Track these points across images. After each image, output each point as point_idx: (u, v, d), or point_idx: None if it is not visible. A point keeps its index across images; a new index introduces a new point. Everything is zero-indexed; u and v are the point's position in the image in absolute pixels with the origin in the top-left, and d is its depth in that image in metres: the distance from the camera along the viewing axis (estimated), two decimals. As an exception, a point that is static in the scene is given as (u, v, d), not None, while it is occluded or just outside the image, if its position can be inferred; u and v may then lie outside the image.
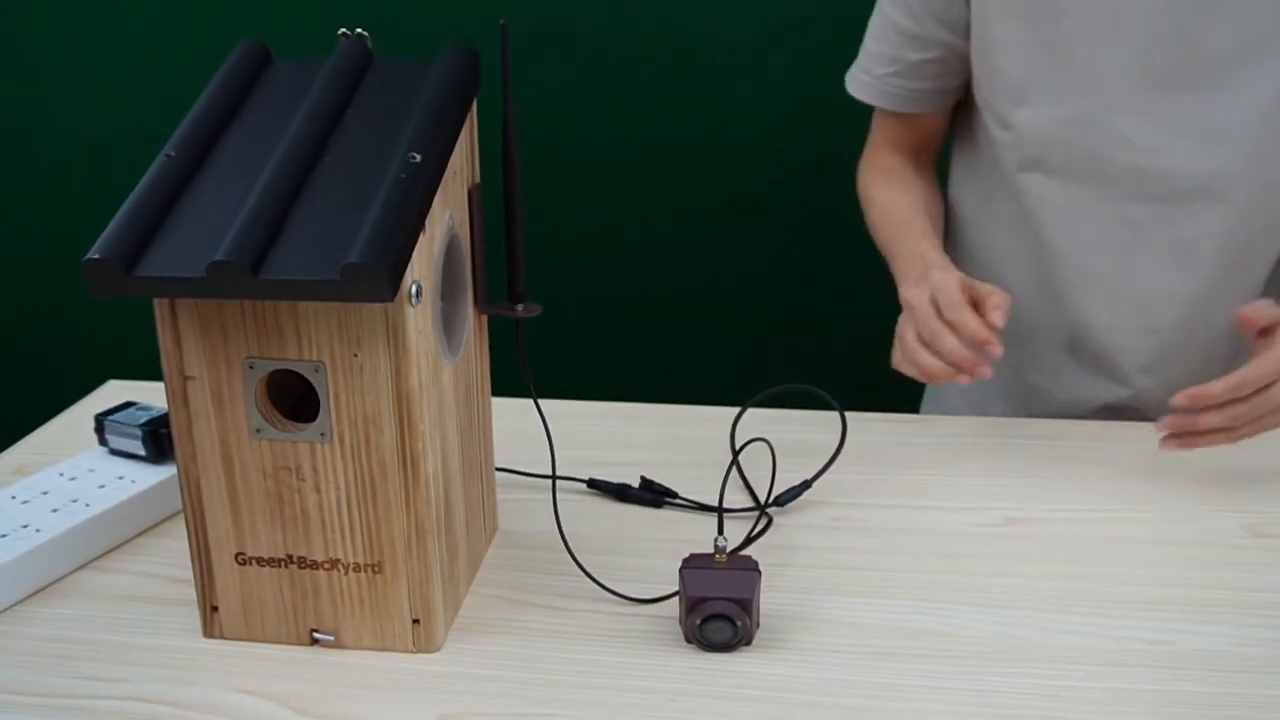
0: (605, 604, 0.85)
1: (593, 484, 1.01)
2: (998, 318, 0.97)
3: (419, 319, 0.74)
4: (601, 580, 0.86)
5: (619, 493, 1.00)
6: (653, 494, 0.99)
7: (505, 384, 0.97)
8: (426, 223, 0.75)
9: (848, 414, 1.02)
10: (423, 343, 0.75)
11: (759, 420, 1.09)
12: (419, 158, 0.74)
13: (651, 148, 1.74)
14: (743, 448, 0.98)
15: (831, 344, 1.77)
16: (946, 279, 1.00)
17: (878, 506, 0.99)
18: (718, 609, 0.78)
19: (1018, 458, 1.07)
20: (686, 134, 1.72)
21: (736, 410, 1.08)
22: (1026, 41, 1.08)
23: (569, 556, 0.87)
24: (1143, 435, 1.05)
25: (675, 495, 0.98)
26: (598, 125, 1.74)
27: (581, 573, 0.87)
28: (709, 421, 1.09)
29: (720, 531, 0.82)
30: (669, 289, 1.81)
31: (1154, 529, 0.95)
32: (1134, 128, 1.06)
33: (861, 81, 1.24)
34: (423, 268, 0.75)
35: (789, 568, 0.90)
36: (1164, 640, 0.81)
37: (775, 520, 0.97)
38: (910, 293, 1.02)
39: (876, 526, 0.96)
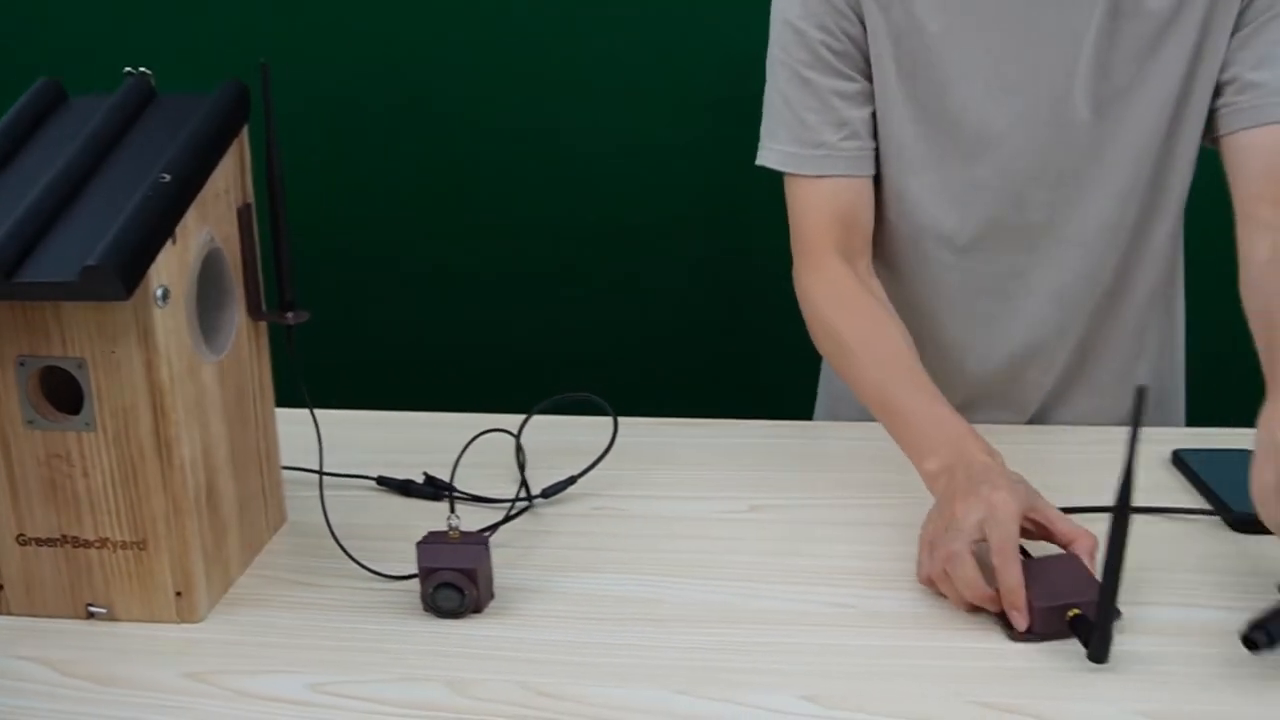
0: (364, 581, 0.95)
1: (381, 480, 1.10)
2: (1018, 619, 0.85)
3: (168, 319, 0.84)
4: (367, 562, 0.95)
5: (403, 488, 1.09)
6: (433, 488, 1.08)
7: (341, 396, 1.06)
8: (179, 235, 0.85)
9: (628, 418, 1.12)
10: (173, 341, 0.85)
11: (548, 425, 1.17)
12: (168, 178, 0.84)
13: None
14: (471, 438, 1.07)
15: (612, 349, 1.89)
16: (1008, 509, 0.86)
17: (637, 497, 1.08)
18: (446, 578, 0.88)
19: (773, 454, 1.17)
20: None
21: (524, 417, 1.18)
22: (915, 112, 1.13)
23: (343, 542, 0.96)
24: (876, 432, 1.15)
25: (454, 489, 1.08)
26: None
27: (348, 556, 0.96)
28: (502, 425, 1.18)
29: (452, 511, 0.91)
30: (486, 306, 1.94)
31: (877, 513, 1.04)
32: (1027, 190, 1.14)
33: (815, 158, 1.13)
34: (172, 274, 0.85)
35: (540, 549, 1.00)
36: (849, 604, 0.91)
37: (542, 510, 1.06)
38: (960, 507, 0.87)
39: (632, 514, 1.06)
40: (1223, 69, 1.08)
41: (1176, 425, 1.30)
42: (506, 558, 0.98)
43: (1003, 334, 1.21)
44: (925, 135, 1.13)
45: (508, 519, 1.03)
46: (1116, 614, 0.80)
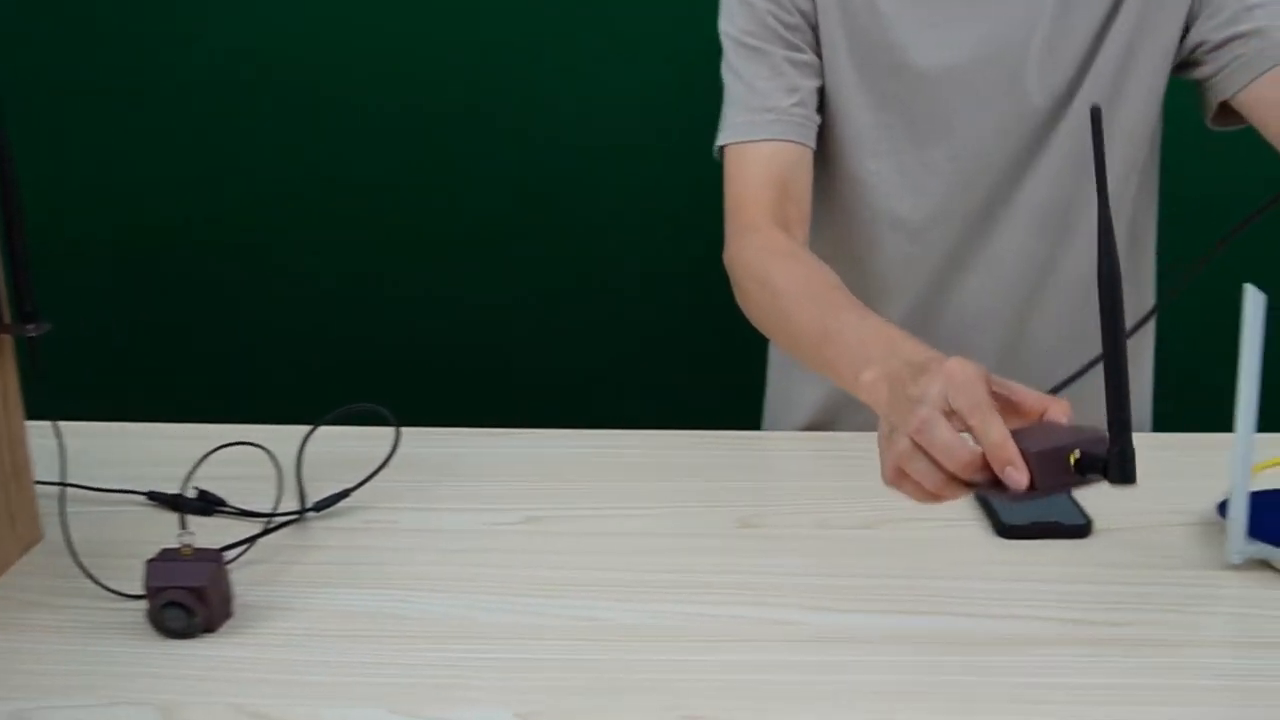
0: (104, 601, 0.91)
1: (152, 496, 1.07)
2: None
3: None
4: (117, 583, 0.92)
5: (173, 503, 1.06)
6: (204, 503, 1.05)
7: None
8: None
9: (418, 429, 1.10)
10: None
11: (334, 437, 1.14)
12: None
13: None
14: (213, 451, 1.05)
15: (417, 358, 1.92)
16: (967, 371, 0.76)
17: (413, 510, 1.05)
18: (174, 597, 0.85)
19: (562, 463, 1.14)
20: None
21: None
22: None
23: (93, 561, 0.92)
24: (648, 440, 1.16)
25: (224, 504, 1.05)
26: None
27: (85, 574, 0.92)
28: (283, 438, 1.15)
29: (183, 526, 0.88)
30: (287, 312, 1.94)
31: (656, 523, 1.02)
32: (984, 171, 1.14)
33: (765, 122, 1.11)
34: None
35: (299, 565, 0.97)
36: (594, 617, 0.89)
37: (314, 524, 1.03)
38: (915, 387, 0.77)
39: (403, 528, 1.03)
40: (1198, 43, 1.07)
41: (1143, 430, 1.30)
42: (262, 574, 0.95)
43: (946, 310, 1.21)
44: (880, 119, 1.14)
45: (265, 533, 1.00)
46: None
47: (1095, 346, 1.19)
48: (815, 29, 1.13)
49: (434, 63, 1.85)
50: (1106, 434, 0.73)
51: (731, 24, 1.14)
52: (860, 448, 1.13)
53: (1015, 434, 0.73)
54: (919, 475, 0.75)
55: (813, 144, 1.13)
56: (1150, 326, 1.28)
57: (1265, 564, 0.93)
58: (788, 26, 1.12)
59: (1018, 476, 0.72)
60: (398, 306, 1.99)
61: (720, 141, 1.14)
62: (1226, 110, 1.09)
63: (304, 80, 1.85)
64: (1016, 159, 1.13)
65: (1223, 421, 1.00)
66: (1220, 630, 0.87)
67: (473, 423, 1.22)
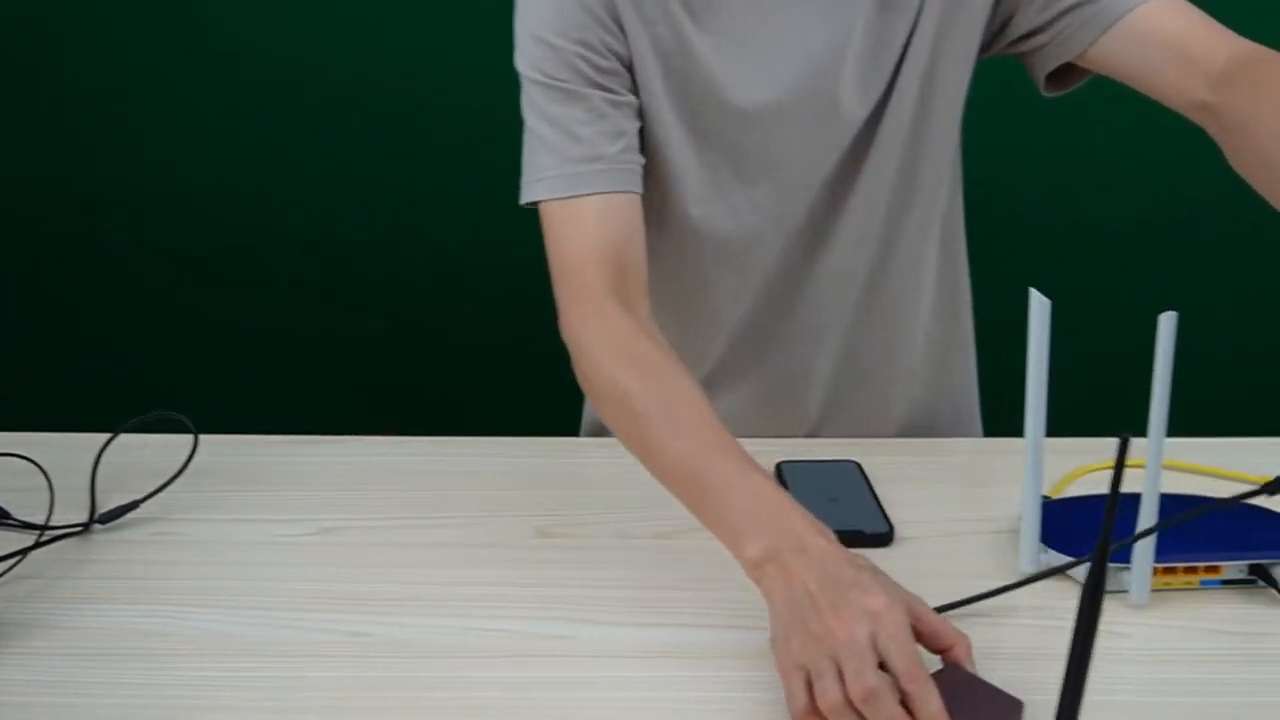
0: None
1: (-70, 509, 1.02)
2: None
3: None
4: None
5: (-53, 516, 1.01)
6: (-14, 517, 1.01)
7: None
8: None
9: (221, 436, 1.06)
10: None
11: (135, 446, 1.10)
12: None
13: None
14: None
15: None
16: (898, 618, 0.72)
17: (205, 521, 1.02)
18: (-89, 616, 0.81)
19: (367, 472, 1.11)
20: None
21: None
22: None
23: None
24: (450, 448, 1.13)
25: (8, 515, 1.00)
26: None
27: None
28: (74, 448, 1.10)
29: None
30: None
31: (451, 534, 1.00)
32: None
33: (592, 173, 1.00)
34: None
35: (71, 580, 0.93)
36: (366, 632, 0.86)
37: (100, 537, 1.00)
38: (837, 621, 0.72)
39: (191, 540, 0.99)
40: (1029, 29, 1.04)
41: (974, 435, 1.29)
42: (29, 589, 0.91)
43: (776, 331, 1.18)
44: (704, 159, 1.08)
45: (37, 546, 0.96)
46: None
47: (916, 357, 1.20)
48: (631, 69, 1.04)
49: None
50: (1020, 705, 0.73)
51: (534, 67, 1.01)
52: None
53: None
54: None
55: (641, 189, 1.04)
56: (969, 327, 1.27)
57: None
58: (601, 71, 1.01)
59: None
60: (214, 308, 2.03)
61: (538, 196, 1.01)
62: (1062, 73, 1.06)
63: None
64: (837, 178, 1.10)
65: (1061, 424, 0.99)
66: (1011, 640, 0.86)
67: (292, 430, 1.18)
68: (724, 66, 1.05)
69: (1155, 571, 0.90)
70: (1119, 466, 0.58)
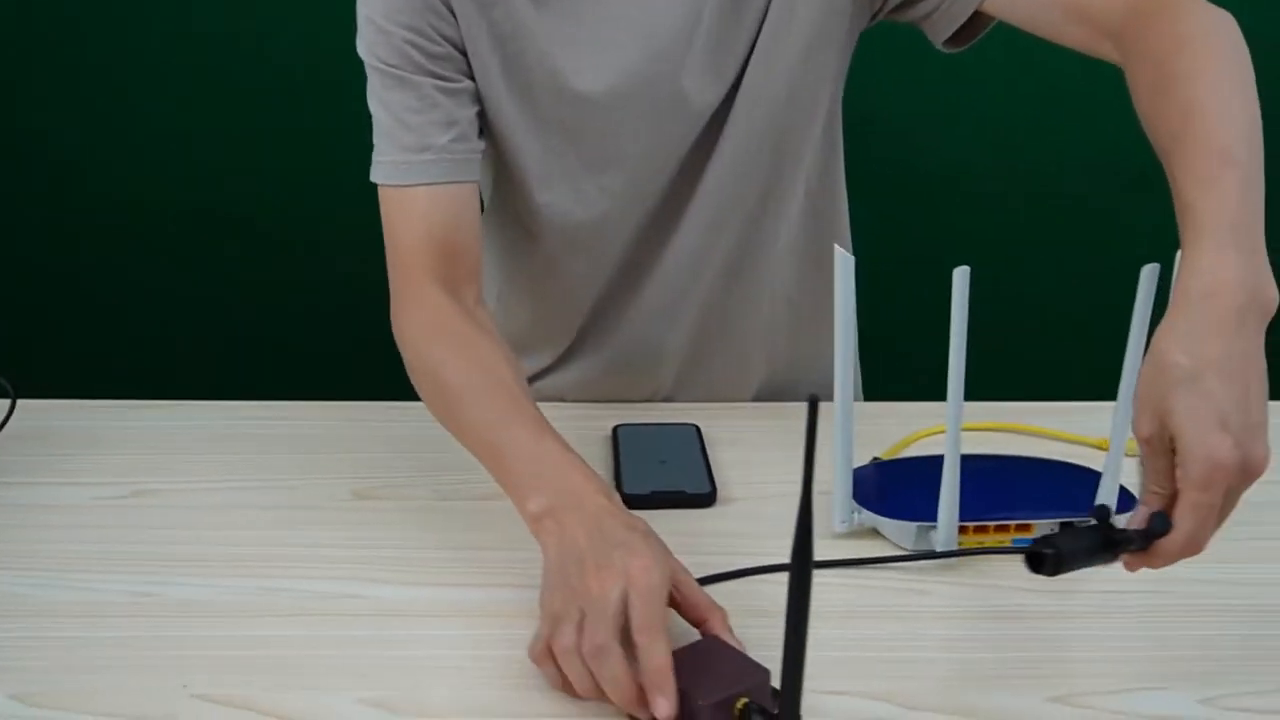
0: None
1: None
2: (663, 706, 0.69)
3: None
4: None
5: None
6: None
7: None
8: None
9: (34, 401, 1.05)
10: None
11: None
12: None
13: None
14: None
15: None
16: (652, 580, 0.72)
17: (17, 485, 1.00)
18: None
19: (191, 435, 1.09)
20: None
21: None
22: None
23: None
24: (268, 411, 1.12)
25: None
26: None
27: None
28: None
29: None
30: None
31: (271, 496, 0.98)
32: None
33: (423, 164, 0.99)
34: None
35: None
36: (149, 592, 0.85)
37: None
38: (595, 580, 0.73)
39: (3, 503, 0.97)
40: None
41: (855, 396, 1.26)
42: None
43: (626, 313, 1.16)
44: (548, 146, 1.05)
45: None
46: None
47: (778, 329, 1.19)
48: (466, 55, 1.01)
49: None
50: (766, 673, 0.71)
51: (369, 52, 1.00)
52: None
53: (682, 669, 0.70)
54: (572, 676, 0.71)
55: (476, 176, 1.02)
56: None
57: (876, 533, 0.92)
58: (433, 57, 0.99)
59: (665, 708, 0.68)
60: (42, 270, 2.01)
61: (374, 179, 1.01)
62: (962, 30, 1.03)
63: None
64: (688, 166, 1.08)
65: (924, 390, 1.02)
66: (820, 599, 0.84)
67: (127, 395, 1.16)
68: (562, 51, 1.01)
69: (966, 530, 0.90)
70: (811, 429, 0.57)
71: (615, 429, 1.07)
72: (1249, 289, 0.69)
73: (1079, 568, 0.70)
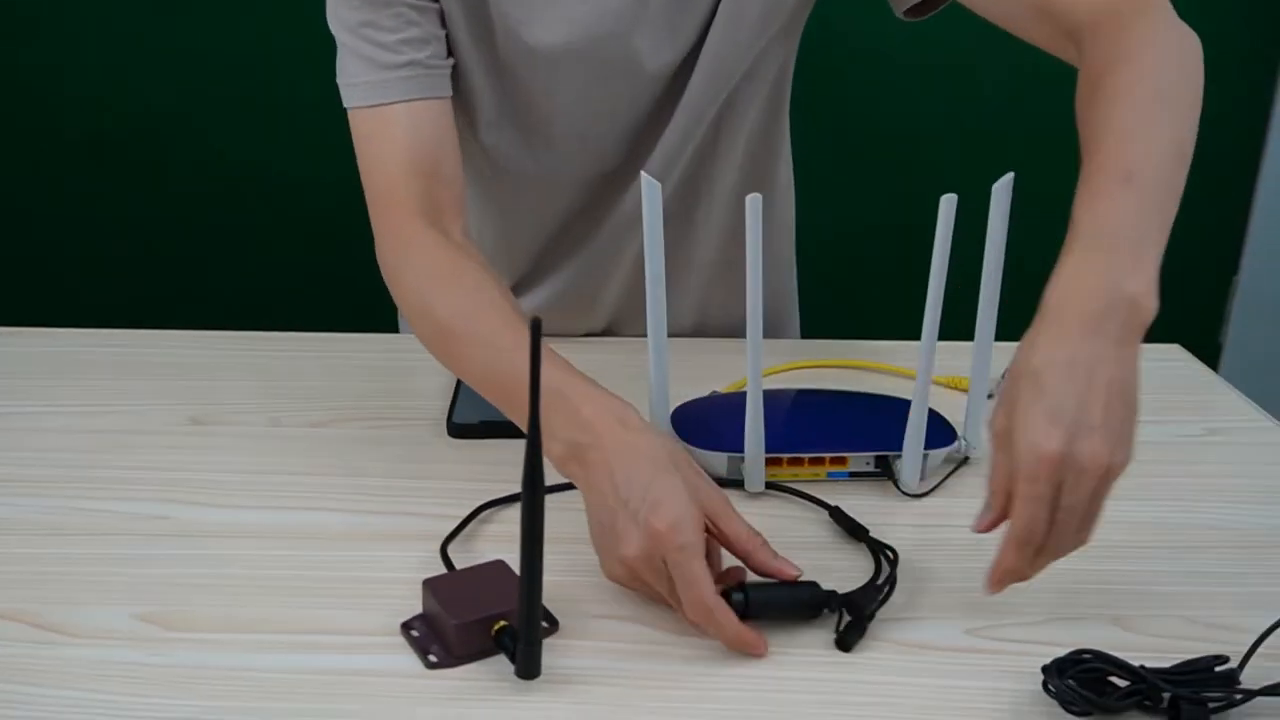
0: None
1: None
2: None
3: None
4: None
5: None
6: None
7: None
8: None
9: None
10: None
11: None
12: None
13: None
14: None
15: None
16: (682, 531, 0.71)
17: None
18: None
19: (14, 362, 1.10)
20: None
21: None
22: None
23: None
24: (110, 339, 1.13)
25: None
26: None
27: None
28: None
29: None
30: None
31: (117, 420, 0.99)
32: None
33: (401, 79, 0.95)
34: None
35: None
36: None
37: None
38: (627, 545, 0.72)
39: None
40: None
41: (789, 337, 1.29)
42: None
43: (576, 253, 1.16)
44: (498, 86, 1.04)
45: None
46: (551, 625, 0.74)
47: (713, 278, 1.19)
48: None
49: None
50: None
51: None
52: (338, 348, 1.13)
53: (452, 589, 0.73)
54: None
55: (451, 92, 0.99)
56: (785, 238, 1.26)
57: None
58: None
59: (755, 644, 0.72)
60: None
61: (349, 102, 0.97)
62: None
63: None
64: (641, 128, 1.06)
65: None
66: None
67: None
68: (517, 2, 0.99)
69: (781, 463, 0.91)
70: (535, 351, 0.58)
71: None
72: (1111, 294, 0.68)
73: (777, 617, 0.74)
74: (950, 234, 0.82)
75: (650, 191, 0.83)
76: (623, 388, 0.81)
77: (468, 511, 0.86)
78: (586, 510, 0.76)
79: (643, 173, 0.83)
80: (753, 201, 0.80)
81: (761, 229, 0.80)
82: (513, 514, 0.87)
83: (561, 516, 0.85)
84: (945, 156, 2.07)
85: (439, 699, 0.68)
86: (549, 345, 0.80)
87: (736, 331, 1.24)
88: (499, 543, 0.83)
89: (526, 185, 1.11)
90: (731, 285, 1.21)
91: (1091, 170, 0.75)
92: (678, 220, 1.13)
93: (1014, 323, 0.99)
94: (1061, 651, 0.69)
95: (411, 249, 0.93)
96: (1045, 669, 0.68)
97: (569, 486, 0.80)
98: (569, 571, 0.79)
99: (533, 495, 0.63)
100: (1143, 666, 0.67)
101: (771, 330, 1.26)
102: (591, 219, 1.13)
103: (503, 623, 0.70)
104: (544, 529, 0.65)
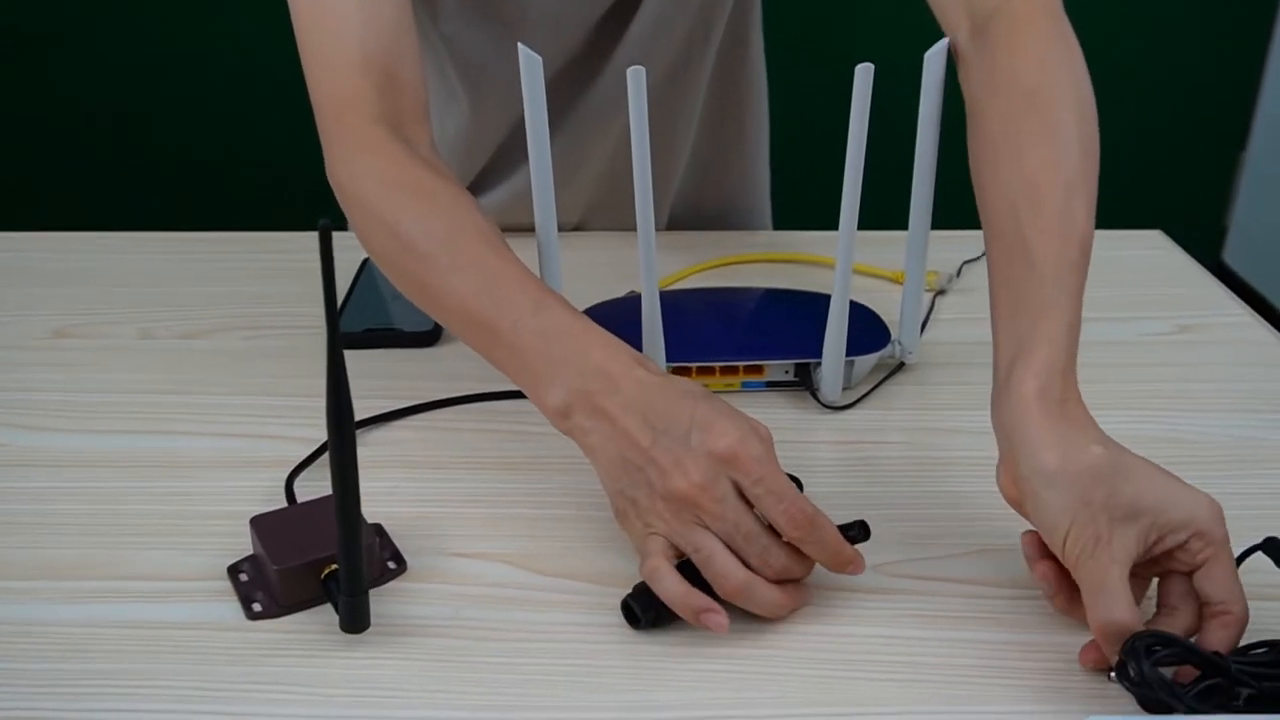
0: None
1: None
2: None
3: None
4: None
5: None
6: None
7: None
8: None
9: None
10: None
11: None
12: None
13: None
14: None
15: None
16: (751, 444, 0.60)
17: None
18: None
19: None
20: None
21: None
22: None
23: None
24: None
25: None
26: None
27: None
28: None
29: None
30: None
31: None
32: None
33: None
34: None
35: None
36: None
37: None
38: (684, 480, 0.59)
39: None
40: None
41: (761, 229, 1.20)
42: None
43: (565, 148, 1.04)
44: None
45: None
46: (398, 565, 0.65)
47: (685, 151, 1.09)
48: None
49: None
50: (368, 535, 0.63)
51: None
52: (218, 249, 1.04)
53: (282, 528, 0.64)
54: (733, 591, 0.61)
55: None
56: (758, 130, 1.16)
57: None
58: None
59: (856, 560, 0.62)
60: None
61: None
62: None
63: None
64: (603, 29, 0.97)
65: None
66: (509, 448, 0.77)
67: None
68: None
69: (690, 373, 0.81)
70: (325, 257, 0.48)
71: (364, 261, 0.98)
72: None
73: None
74: (867, 107, 0.71)
75: (635, 80, 0.70)
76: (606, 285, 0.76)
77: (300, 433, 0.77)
78: (600, 467, 0.63)
79: (630, 69, 0.71)
80: (635, 74, 0.69)
81: (695, 113, 0.70)
82: (388, 435, 0.78)
83: (433, 438, 0.77)
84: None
85: (252, 655, 0.60)
86: (540, 282, 0.70)
87: (705, 224, 1.18)
88: (366, 469, 0.74)
89: (489, 78, 1.01)
90: (703, 178, 1.13)
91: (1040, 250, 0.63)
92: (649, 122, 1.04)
93: (955, 207, 0.90)
94: (991, 590, 0.61)
95: (367, 157, 0.77)
96: (1125, 652, 0.54)
97: (435, 405, 0.71)
98: (432, 501, 0.70)
99: (340, 424, 0.54)
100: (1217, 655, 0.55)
101: (742, 224, 1.19)
102: (558, 112, 1.03)
103: (333, 566, 0.61)
104: (356, 460, 0.55)
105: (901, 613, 0.63)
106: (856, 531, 0.63)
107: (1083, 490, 0.56)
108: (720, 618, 0.59)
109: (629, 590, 0.62)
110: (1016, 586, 0.64)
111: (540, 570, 0.66)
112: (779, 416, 0.80)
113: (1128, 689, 0.55)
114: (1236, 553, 0.59)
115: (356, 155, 0.78)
